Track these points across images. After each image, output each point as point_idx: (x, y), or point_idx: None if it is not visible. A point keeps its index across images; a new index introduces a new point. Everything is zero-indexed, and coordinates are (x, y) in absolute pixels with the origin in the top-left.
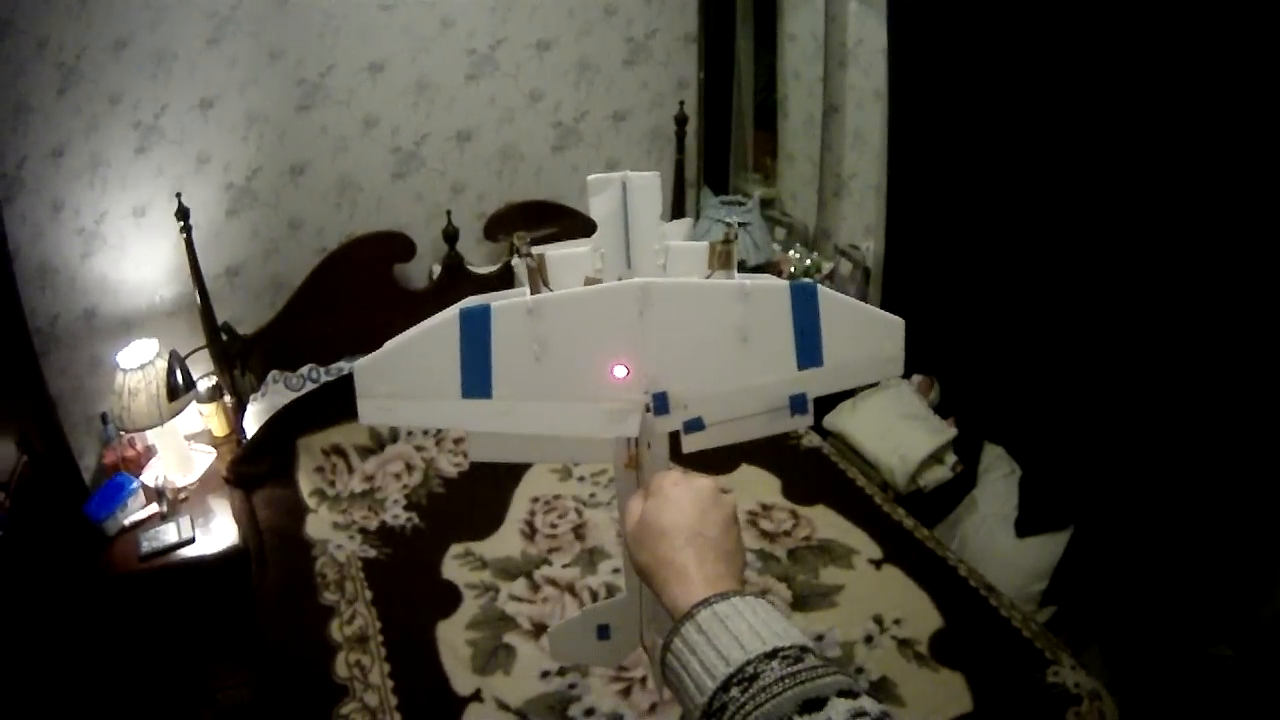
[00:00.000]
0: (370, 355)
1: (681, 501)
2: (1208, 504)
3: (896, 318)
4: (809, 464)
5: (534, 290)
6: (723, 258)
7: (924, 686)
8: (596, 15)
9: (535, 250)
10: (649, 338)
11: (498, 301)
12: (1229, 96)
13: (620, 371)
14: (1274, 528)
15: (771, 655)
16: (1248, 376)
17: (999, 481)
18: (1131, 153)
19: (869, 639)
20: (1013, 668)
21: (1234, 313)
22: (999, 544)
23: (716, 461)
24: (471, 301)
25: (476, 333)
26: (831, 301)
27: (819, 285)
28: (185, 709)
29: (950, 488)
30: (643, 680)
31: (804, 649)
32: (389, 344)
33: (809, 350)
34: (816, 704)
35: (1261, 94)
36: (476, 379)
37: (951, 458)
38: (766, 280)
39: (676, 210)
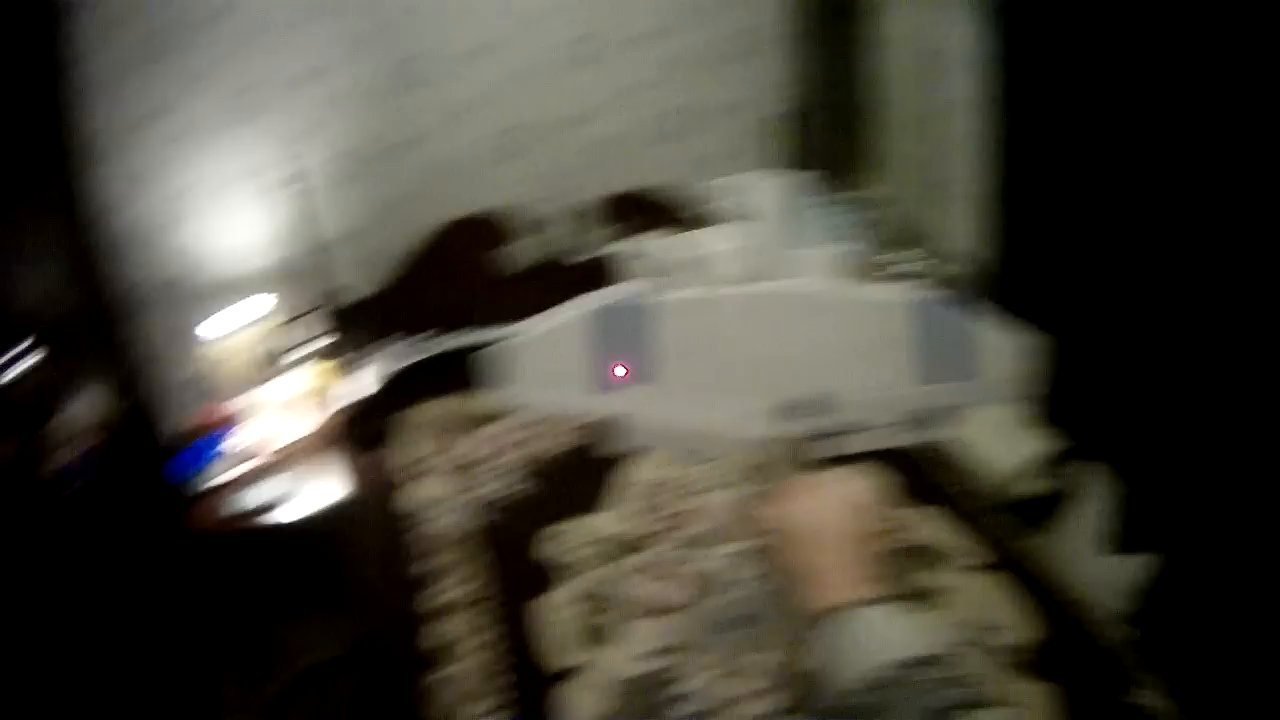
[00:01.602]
0: (514, 337)
1: (826, 503)
2: None
3: (1027, 337)
4: (917, 464)
5: (696, 283)
6: (855, 265)
7: (1016, 697)
8: (705, 2)
9: (670, 242)
10: (804, 339)
11: (657, 294)
12: None
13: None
14: None
15: (902, 664)
16: None
17: (1094, 498)
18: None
19: (966, 645)
20: (1102, 685)
21: None
22: (1088, 560)
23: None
24: (610, 293)
25: (635, 322)
26: (972, 320)
27: (961, 302)
28: (264, 669)
29: (1047, 500)
30: (742, 669)
31: (932, 659)
32: (534, 327)
33: (943, 363)
34: (940, 715)
35: None
36: (632, 368)
37: (1053, 469)
38: (909, 292)
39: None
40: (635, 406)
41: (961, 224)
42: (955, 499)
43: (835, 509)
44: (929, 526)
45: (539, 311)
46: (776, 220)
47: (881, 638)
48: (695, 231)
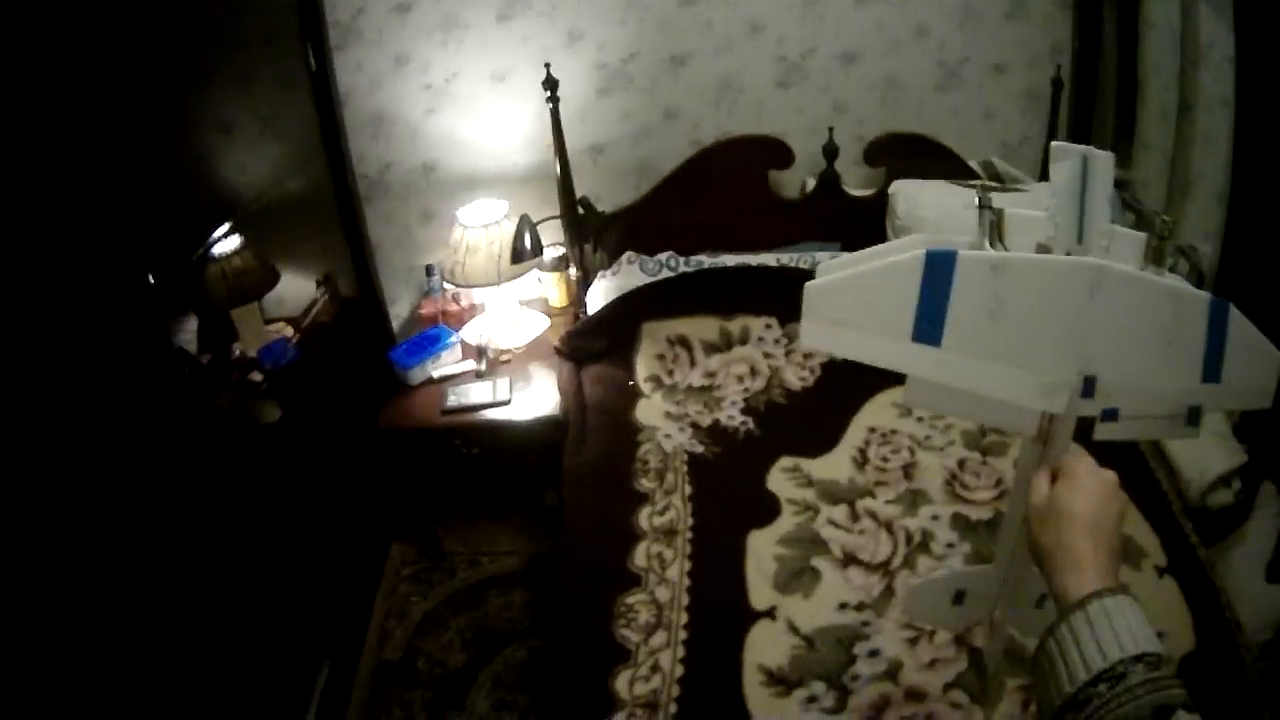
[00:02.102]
0: (826, 278)
1: (1091, 490)
2: None
3: (1271, 348)
4: (1120, 456)
5: (991, 244)
6: (1155, 253)
7: None
8: None
9: (995, 205)
10: (1092, 319)
11: (964, 251)
12: None
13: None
14: None
15: (1139, 659)
16: None
17: (1268, 520)
18: None
19: None
20: (1234, 709)
21: None
22: (1250, 583)
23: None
24: (933, 244)
25: (939, 278)
26: (1238, 324)
27: (1231, 305)
28: (440, 568)
29: (1228, 514)
30: (931, 634)
31: (1162, 658)
32: (847, 271)
33: (1214, 365)
34: (1166, 712)
35: None
36: (929, 325)
37: (1238, 484)
38: (1194, 291)
39: (1044, 173)
40: (939, 366)
41: (1204, 222)
42: (1155, 498)
43: (1102, 495)
44: (1132, 523)
45: (809, 241)
46: (1106, 197)
47: (1125, 629)
48: (980, 186)
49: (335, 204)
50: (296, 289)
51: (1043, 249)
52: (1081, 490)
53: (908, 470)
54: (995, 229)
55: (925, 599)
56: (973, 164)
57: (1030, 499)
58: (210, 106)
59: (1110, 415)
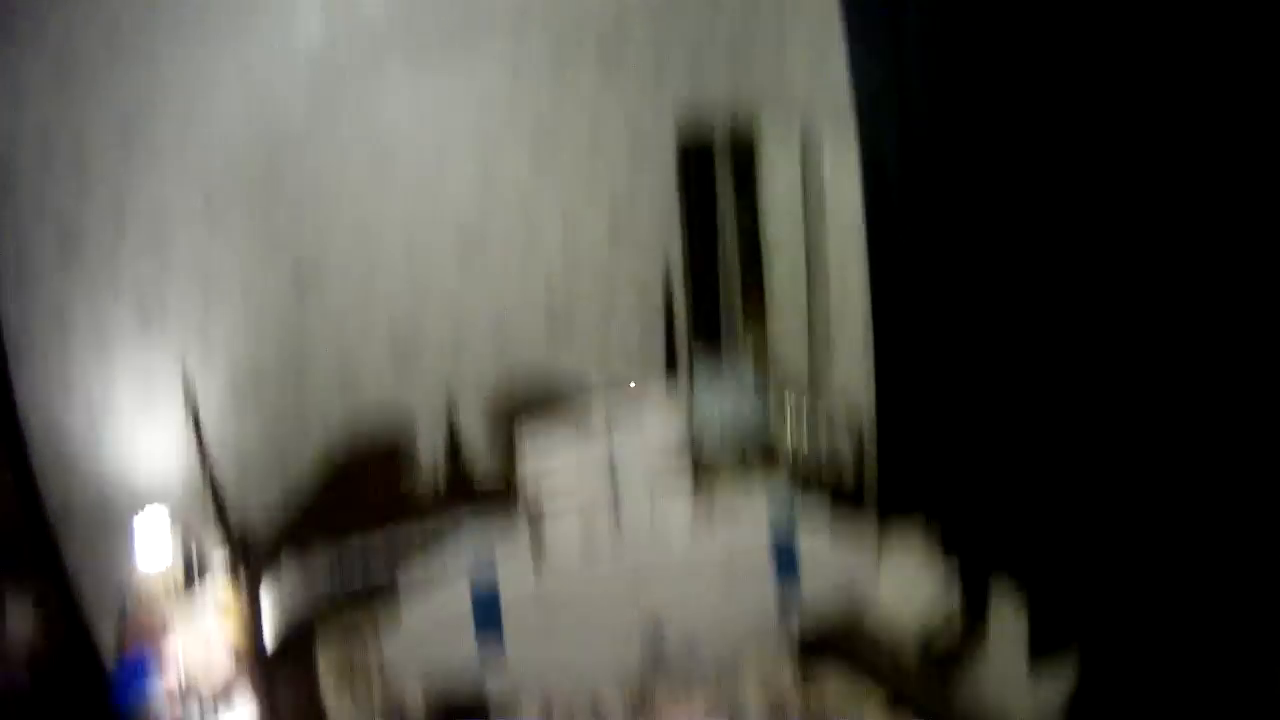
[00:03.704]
0: (395, 628)
1: None
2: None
3: (868, 550)
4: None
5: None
6: (706, 510)
7: None
8: (579, 198)
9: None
10: (657, 598)
11: (504, 585)
12: None
13: None
14: None
15: None
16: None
17: (1008, 615)
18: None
19: None
20: None
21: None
22: (1011, 682)
23: None
24: (483, 548)
25: (487, 614)
26: (809, 552)
27: (796, 542)
28: None
29: (963, 634)
30: None
31: None
32: (406, 617)
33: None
34: None
35: None
36: (490, 649)
37: (961, 601)
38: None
39: (670, 371)
40: (514, 677)
41: (847, 364)
42: (858, 655)
43: None
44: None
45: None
46: (662, 429)
47: None
48: (587, 439)
49: (31, 534)
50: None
51: (587, 548)
52: None
53: None
54: (536, 545)
55: None
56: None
57: None
58: None
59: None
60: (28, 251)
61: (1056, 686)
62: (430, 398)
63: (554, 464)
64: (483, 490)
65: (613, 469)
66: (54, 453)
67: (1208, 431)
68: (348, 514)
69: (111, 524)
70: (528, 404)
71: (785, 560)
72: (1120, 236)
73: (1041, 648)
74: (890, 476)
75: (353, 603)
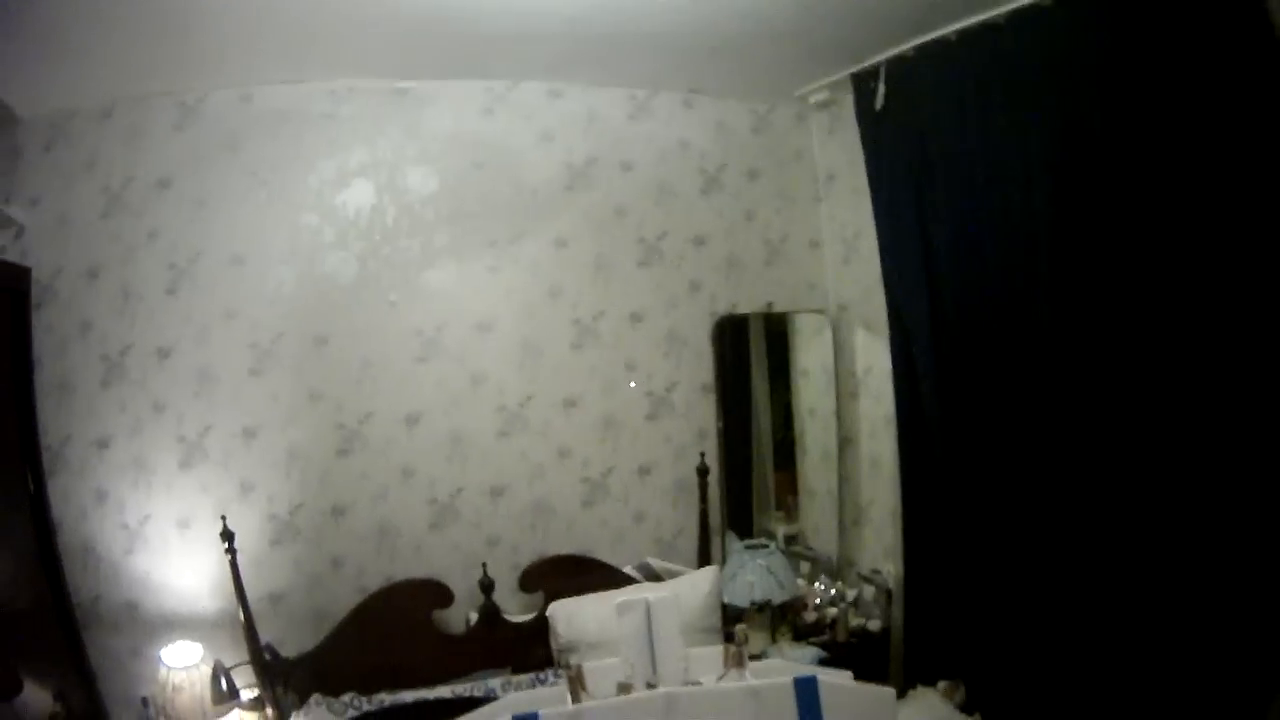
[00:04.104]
0: None
1: None
2: None
3: (888, 690)
4: None
5: (574, 698)
6: (736, 658)
7: None
8: (618, 373)
9: (573, 662)
10: None
11: (545, 711)
12: None
13: None
14: None
15: None
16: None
17: None
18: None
19: None
20: None
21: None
22: None
23: None
24: (522, 701)
25: None
26: (830, 689)
27: (818, 677)
28: None
29: None
30: None
31: None
32: None
33: None
34: None
35: None
36: None
37: None
38: (774, 680)
39: (703, 558)
40: None
41: (876, 542)
42: None
43: None
44: None
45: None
46: (675, 630)
47: None
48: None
49: (58, 627)
50: (38, 700)
51: (624, 688)
52: None
53: None
54: (576, 683)
55: None
56: (628, 570)
57: None
58: None
59: None
60: (72, 371)
61: None
62: (466, 557)
63: (589, 625)
64: (515, 649)
65: (649, 625)
66: (83, 559)
67: (1221, 614)
68: (379, 660)
69: (139, 632)
70: (564, 565)
71: (808, 700)
72: (1136, 429)
73: None
74: (917, 641)
75: None
